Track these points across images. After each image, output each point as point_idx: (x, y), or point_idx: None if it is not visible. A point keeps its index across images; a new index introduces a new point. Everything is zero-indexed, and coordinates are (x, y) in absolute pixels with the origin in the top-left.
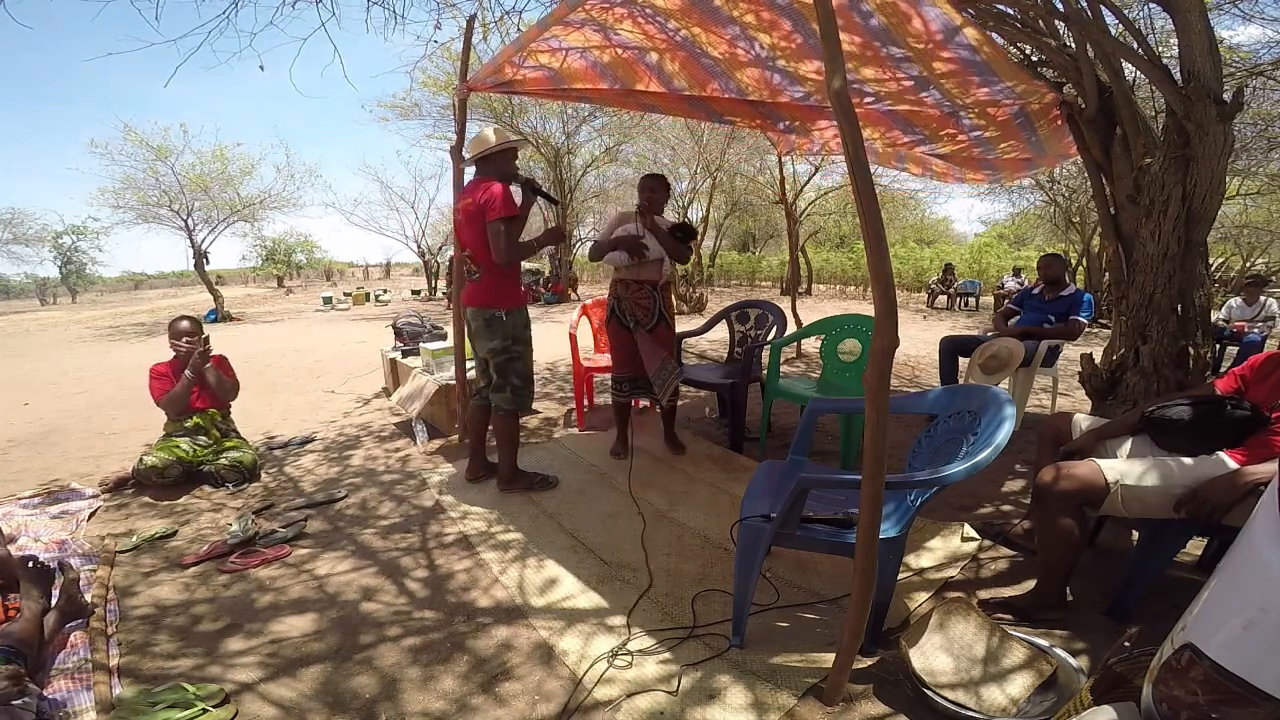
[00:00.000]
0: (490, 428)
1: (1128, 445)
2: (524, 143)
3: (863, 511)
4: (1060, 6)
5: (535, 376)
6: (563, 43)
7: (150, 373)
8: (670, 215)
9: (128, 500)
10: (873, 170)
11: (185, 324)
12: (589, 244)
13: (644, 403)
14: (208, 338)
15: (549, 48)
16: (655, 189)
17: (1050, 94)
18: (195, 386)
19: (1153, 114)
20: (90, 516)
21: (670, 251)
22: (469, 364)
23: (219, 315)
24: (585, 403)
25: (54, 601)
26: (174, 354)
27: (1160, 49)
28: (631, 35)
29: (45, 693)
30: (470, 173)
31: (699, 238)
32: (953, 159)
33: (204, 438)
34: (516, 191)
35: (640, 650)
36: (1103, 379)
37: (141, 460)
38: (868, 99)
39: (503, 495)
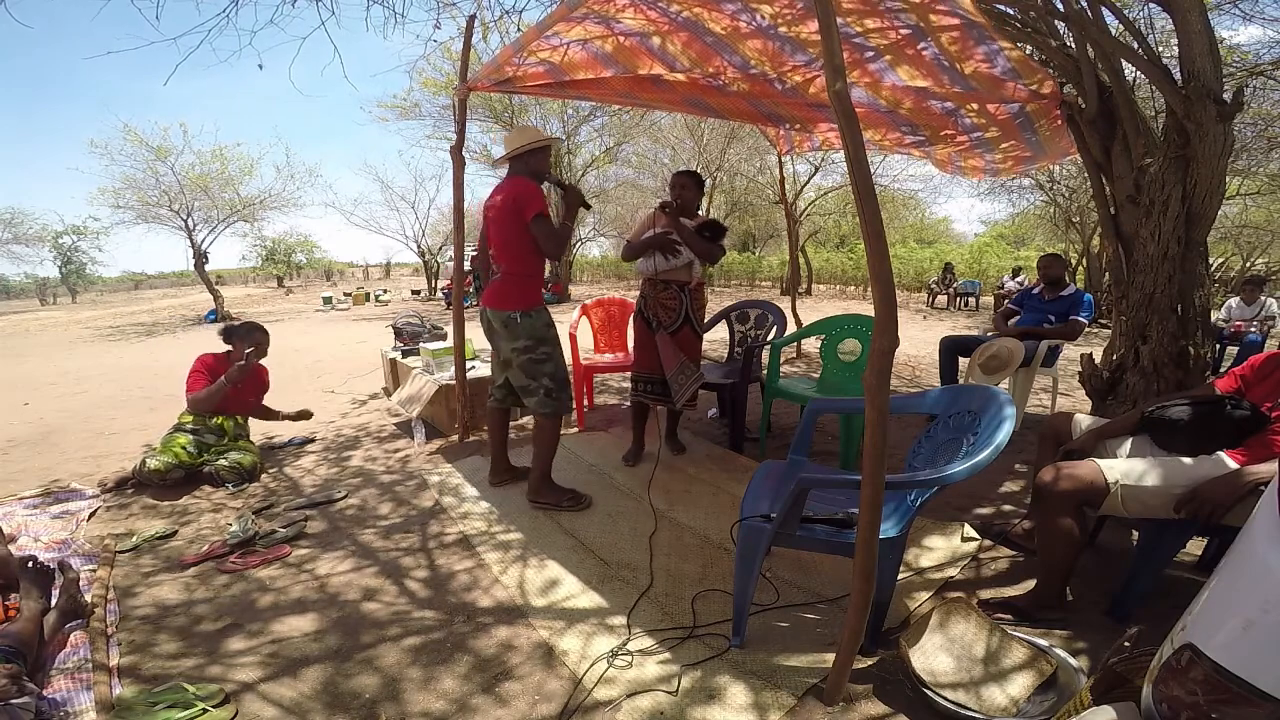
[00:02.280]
0: (507, 430)
1: (1128, 445)
2: (559, 141)
3: (863, 511)
4: (1060, 6)
5: None
6: (564, 38)
7: (196, 363)
8: None
9: (128, 500)
10: (872, 170)
11: (260, 335)
12: (592, 242)
13: None
14: (258, 351)
15: (550, 45)
16: (686, 186)
17: (1048, 82)
18: (229, 392)
19: (1153, 114)
20: (90, 516)
21: (699, 252)
22: (476, 365)
23: (219, 315)
24: (585, 403)
25: (54, 601)
26: (229, 350)
27: (1160, 49)
28: (633, 22)
29: (45, 692)
30: (473, 171)
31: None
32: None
33: (211, 436)
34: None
35: (640, 650)
36: (1103, 379)
37: (144, 463)
38: (868, 53)
39: (503, 496)
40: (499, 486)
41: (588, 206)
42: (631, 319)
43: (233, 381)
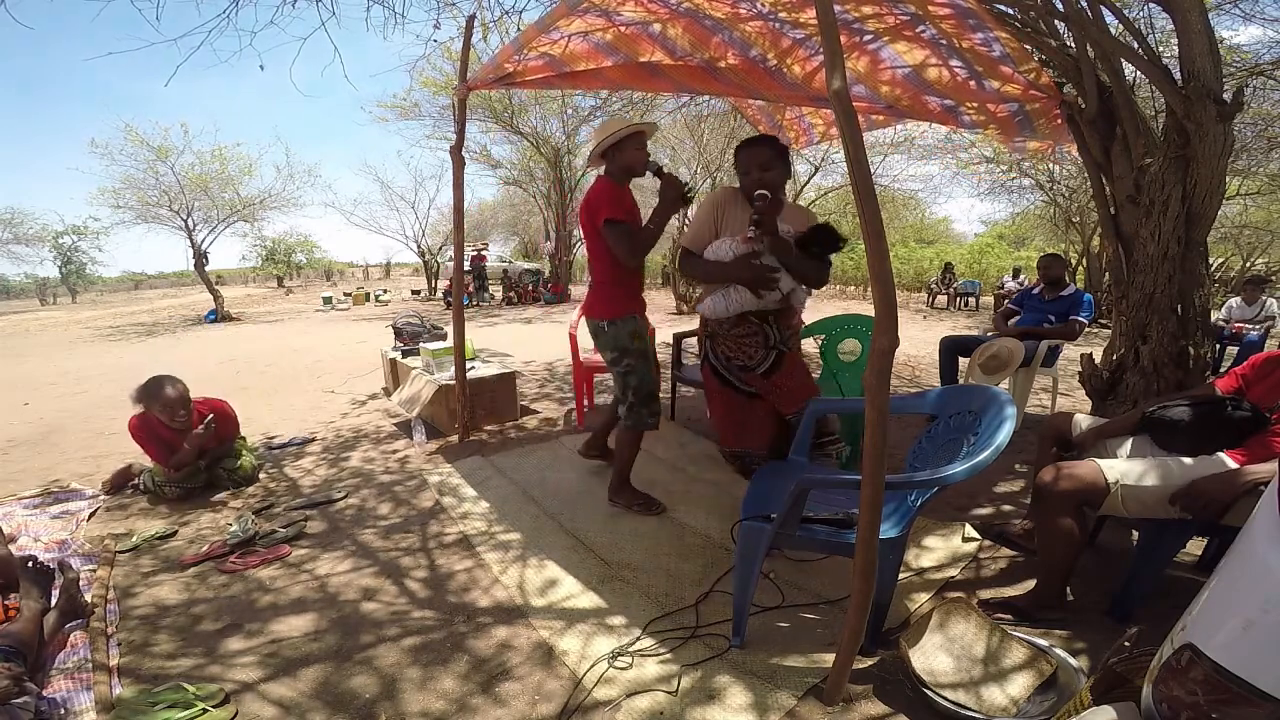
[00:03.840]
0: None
1: (1128, 445)
2: (651, 127)
3: (863, 512)
4: (1060, 6)
5: (534, 376)
6: (564, 32)
7: (134, 433)
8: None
9: (128, 500)
10: (873, 170)
11: (171, 393)
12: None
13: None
14: (211, 419)
15: (550, 39)
16: (768, 165)
17: (1044, 72)
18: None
19: (1153, 114)
20: (90, 516)
21: (805, 275)
22: (476, 365)
23: (219, 315)
24: (585, 402)
25: (54, 601)
26: (143, 411)
27: (1160, 49)
28: (634, 14)
29: (45, 692)
30: (473, 171)
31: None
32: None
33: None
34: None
35: (640, 650)
36: (1103, 379)
37: (165, 483)
38: (865, 37)
39: (503, 496)
40: (585, 458)
41: (687, 201)
42: (702, 369)
43: (195, 445)
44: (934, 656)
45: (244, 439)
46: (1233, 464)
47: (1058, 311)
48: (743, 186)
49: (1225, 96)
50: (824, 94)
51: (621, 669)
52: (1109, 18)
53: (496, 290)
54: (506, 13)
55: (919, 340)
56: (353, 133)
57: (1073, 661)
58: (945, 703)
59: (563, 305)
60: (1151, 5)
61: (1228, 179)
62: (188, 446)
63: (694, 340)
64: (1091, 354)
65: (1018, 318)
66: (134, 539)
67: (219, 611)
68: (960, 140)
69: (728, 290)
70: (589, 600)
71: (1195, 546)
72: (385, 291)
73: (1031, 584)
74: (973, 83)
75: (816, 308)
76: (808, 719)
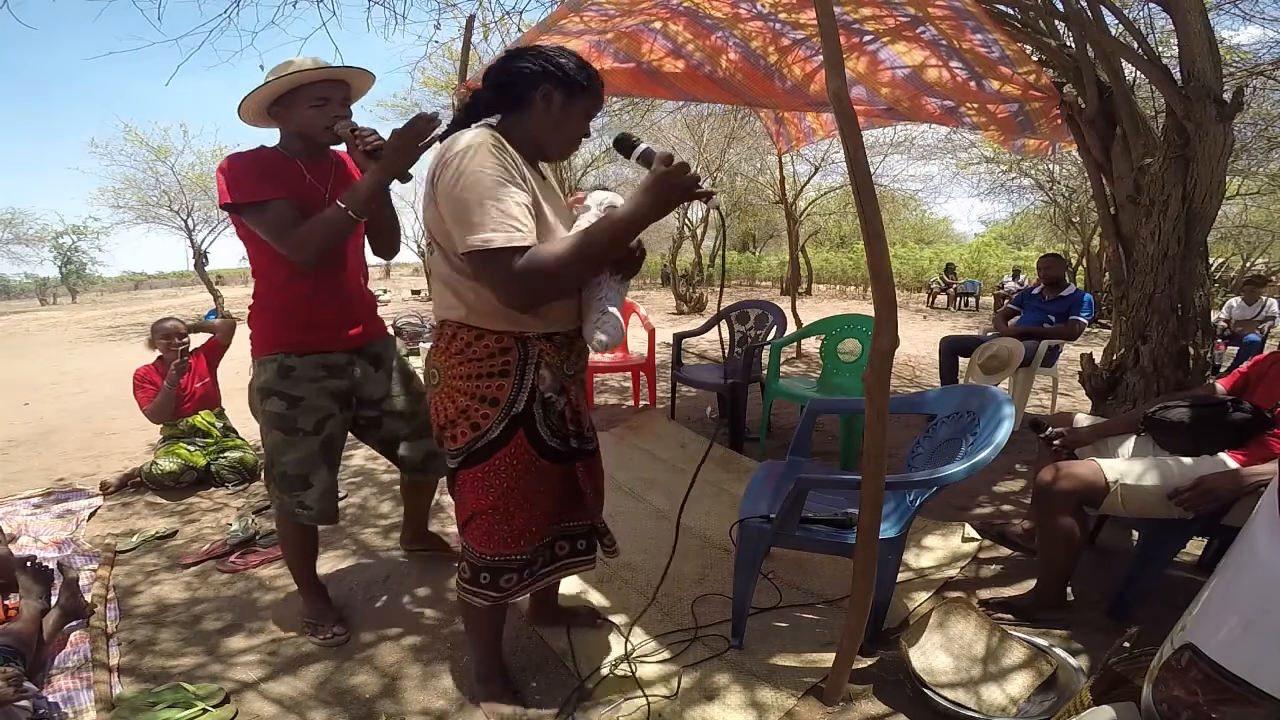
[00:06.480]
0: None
1: (1129, 445)
2: (357, 76)
3: (863, 512)
4: (1060, 6)
5: None
6: (565, 36)
7: (134, 378)
8: (671, 216)
9: (129, 500)
10: (873, 170)
11: (170, 324)
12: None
13: (644, 401)
14: (186, 346)
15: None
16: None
17: (1043, 73)
18: (178, 392)
19: (1153, 114)
20: (91, 516)
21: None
22: None
23: (219, 315)
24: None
25: (54, 601)
26: (158, 356)
27: (1160, 49)
28: (634, 18)
29: (45, 692)
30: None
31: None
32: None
33: (200, 439)
34: None
35: (639, 652)
36: (1103, 379)
37: (155, 464)
38: (866, 38)
39: None
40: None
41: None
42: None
43: (174, 383)
44: (934, 656)
45: (244, 440)
46: (1234, 464)
47: (1058, 311)
48: None
49: (1225, 96)
50: (823, 97)
51: (621, 674)
52: (1109, 18)
53: None
54: (507, 13)
55: (919, 340)
56: None
57: (1073, 661)
58: (945, 702)
59: None
60: (1151, 5)
61: (1228, 179)
62: (166, 384)
63: (694, 341)
64: (1091, 354)
65: (1018, 318)
66: (135, 538)
67: (219, 610)
68: (960, 140)
69: (607, 290)
70: (588, 600)
71: (1195, 546)
72: (385, 292)
73: (1031, 584)
74: (973, 83)
75: (817, 307)
76: (807, 719)
